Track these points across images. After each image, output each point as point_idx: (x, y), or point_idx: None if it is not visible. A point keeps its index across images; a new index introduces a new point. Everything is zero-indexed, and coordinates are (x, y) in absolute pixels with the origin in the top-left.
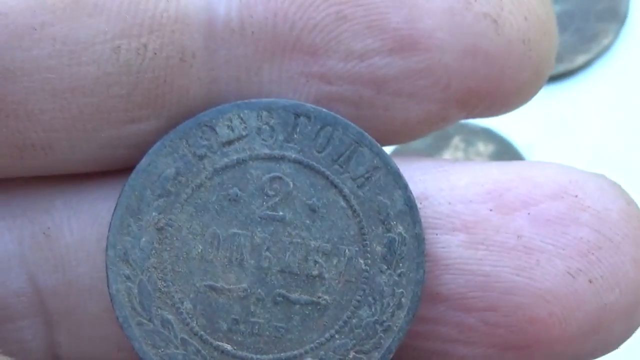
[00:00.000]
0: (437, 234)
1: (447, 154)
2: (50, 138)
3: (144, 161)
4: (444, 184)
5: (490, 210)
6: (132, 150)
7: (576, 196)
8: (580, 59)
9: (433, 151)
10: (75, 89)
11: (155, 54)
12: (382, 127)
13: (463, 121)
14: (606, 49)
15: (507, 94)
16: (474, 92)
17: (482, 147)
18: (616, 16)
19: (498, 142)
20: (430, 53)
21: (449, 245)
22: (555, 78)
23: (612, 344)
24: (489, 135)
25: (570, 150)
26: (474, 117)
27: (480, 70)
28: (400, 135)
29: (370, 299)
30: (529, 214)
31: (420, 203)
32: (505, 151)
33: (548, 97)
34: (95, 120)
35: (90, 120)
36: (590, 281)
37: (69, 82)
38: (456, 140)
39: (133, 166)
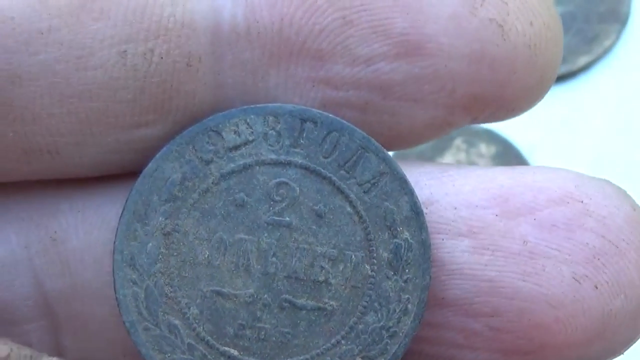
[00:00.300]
0: (442, 239)
1: (449, 155)
2: (57, 142)
3: (150, 166)
4: (449, 189)
5: (496, 215)
6: (139, 154)
7: (581, 202)
8: (582, 60)
9: (435, 153)
10: (82, 94)
11: (162, 58)
12: (388, 132)
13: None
14: (608, 50)
15: (513, 99)
16: (480, 97)
17: (484, 148)
18: (618, 17)
19: (500, 143)
20: (435, 58)
21: (454, 250)
22: (557, 79)
23: (617, 350)
24: (491, 136)
25: (572, 152)
26: (479, 122)
27: (486, 75)
28: (407, 140)
29: (376, 304)
30: (534, 219)
31: (426, 208)
32: (507, 152)
33: (550, 99)
34: (101, 124)
35: (96, 125)
36: (595, 287)
37: (75, 86)
38: (458, 142)
39: (140, 171)
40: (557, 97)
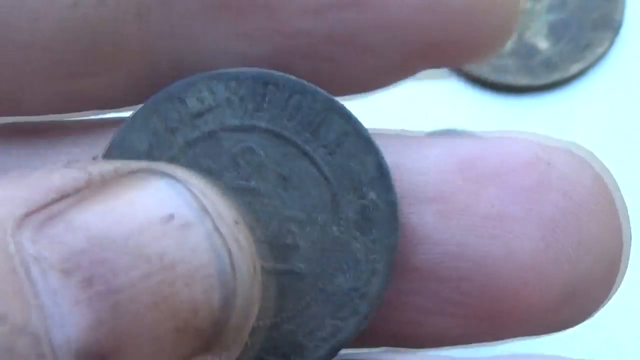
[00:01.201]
0: (410, 204)
1: None
2: (15, 92)
3: (117, 137)
4: (416, 155)
5: (463, 180)
6: (96, 103)
7: (548, 164)
8: (575, 68)
9: None
10: (35, 44)
11: (112, 9)
12: (342, 80)
13: (457, 129)
14: (601, 57)
15: (473, 45)
16: (436, 44)
17: None
18: (611, 25)
19: None
20: (386, 7)
21: (422, 215)
22: (550, 87)
23: (586, 313)
24: None
25: None
26: (441, 67)
27: (441, 23)
28: (362, 86)
29: (344, 266)
30: (501, 183)
31: (393, 173)
32: None
33: (542, 106)
34: (57, 75)
35: (52, 75)
36: (563, 249)
37: (29, 38)
38: None
39: (98, 119)
40: (549, 105)
